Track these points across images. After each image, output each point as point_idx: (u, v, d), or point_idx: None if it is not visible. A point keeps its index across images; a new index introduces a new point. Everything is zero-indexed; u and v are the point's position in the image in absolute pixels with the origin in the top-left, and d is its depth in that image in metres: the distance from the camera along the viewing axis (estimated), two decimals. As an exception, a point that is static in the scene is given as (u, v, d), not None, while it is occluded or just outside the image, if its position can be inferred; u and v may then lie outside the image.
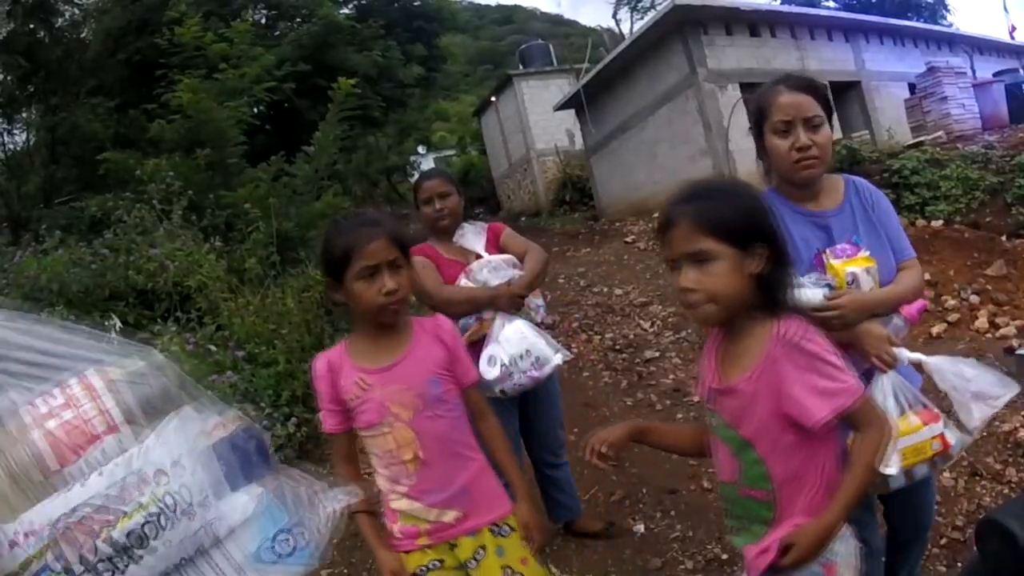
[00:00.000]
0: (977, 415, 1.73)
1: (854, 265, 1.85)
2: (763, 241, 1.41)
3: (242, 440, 0.55)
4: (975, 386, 1.72)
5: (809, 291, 1.75)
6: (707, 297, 1.40)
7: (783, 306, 1.45)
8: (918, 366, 1.85)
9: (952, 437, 1.73)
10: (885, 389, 1.77)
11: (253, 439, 0.56)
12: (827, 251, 1.91)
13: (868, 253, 1.89)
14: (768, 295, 1.44)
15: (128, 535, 0.49)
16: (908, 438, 1.72)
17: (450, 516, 1.83)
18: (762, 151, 1.98)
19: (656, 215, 1.59)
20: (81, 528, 0.49)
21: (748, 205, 1.45)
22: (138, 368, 0.58)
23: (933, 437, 1.72)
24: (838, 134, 12.98)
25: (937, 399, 1.91)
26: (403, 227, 1.90)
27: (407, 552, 1.82)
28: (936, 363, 1.79)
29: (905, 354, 1.79)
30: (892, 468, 1.71)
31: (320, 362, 1.84)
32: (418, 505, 1.81)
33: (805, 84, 1.90)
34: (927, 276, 6.63)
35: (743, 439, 1.46)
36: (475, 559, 1.84)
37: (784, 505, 1.44)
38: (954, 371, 1.76)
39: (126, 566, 0.48)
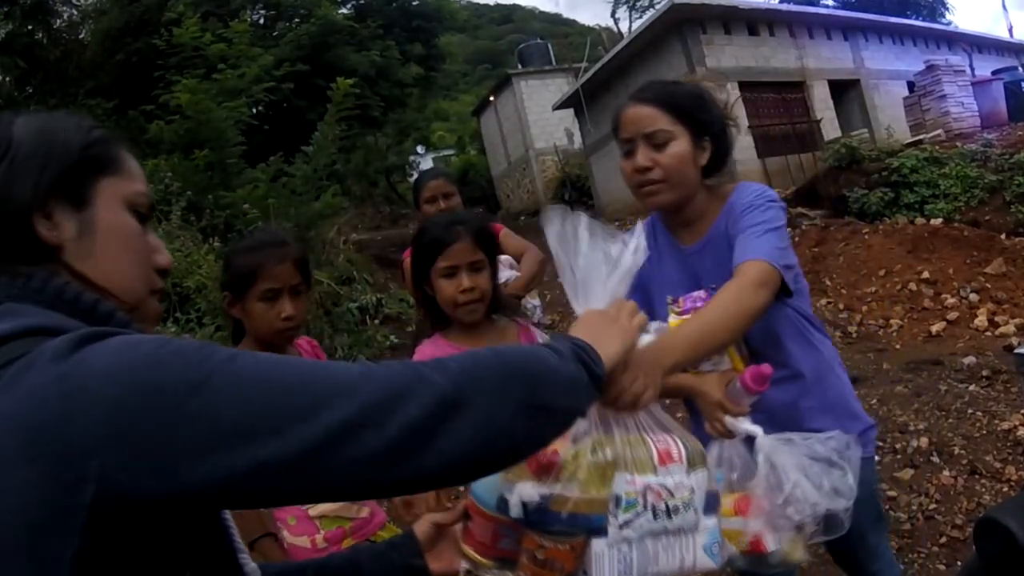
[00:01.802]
0: (766, 536, 1.32)
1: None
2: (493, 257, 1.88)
3: (714, 494, 1.16)
4: (782, 502, 1.29)
5: (646, 338, 1.47)
6: (481, 295, 1.72)
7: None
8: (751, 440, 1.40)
9: (772, 543, 1.30)
10: (713, 458, 1.37)
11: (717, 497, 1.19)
12: (679, 299, 1.59)
13: None
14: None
15: (675, 505, 1.05)
16: (724, 521, 1.25)
17: (365, 511, 1.88)
18: None
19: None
20: (654, 492, 1.04)
21: (491, 228, 1.86)
22: (700, 454, 1.13)
23: (744, 532, 1.31)
24: (836, 132, 13.01)
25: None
26: (307, 251, 1.93)
27: None
28: (769, 448, 1.33)
29: (742, 426, 1.40)
30: (714, 561, 1.19)
31: None
32: (340, 503, 1.81)
33: (656, 94, 1.58)
34: (926, 274, 6.62)
35: None
36: None
37: None
38: (779, 470, 1.30)
39: (668, 518, 1.04)
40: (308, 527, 1.79)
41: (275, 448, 0.57)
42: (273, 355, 0.64)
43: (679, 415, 1.68)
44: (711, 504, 1.13)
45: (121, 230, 0.79)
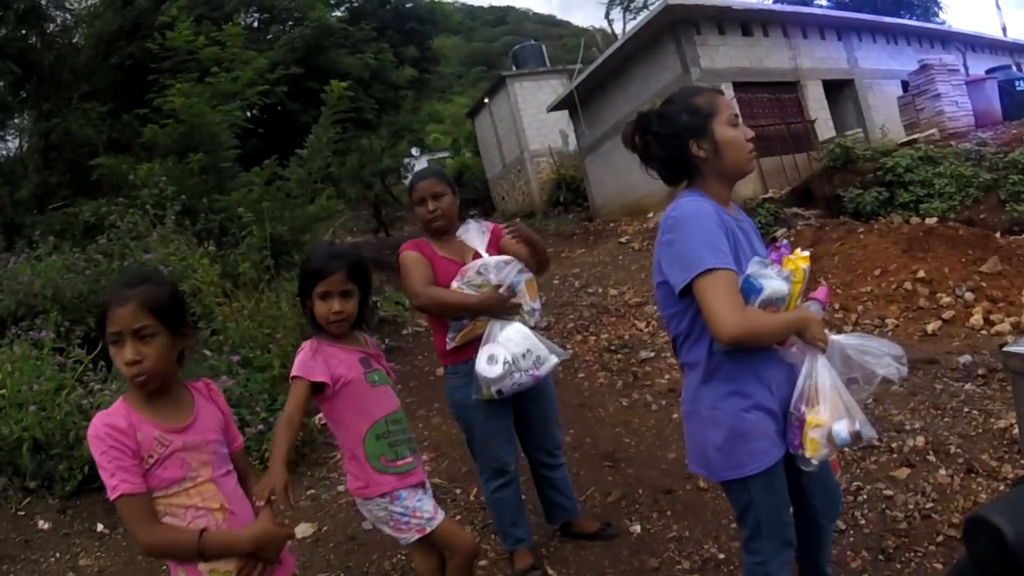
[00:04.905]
0: (898, 371, 1.89)
1: (804, 262, 1.98)
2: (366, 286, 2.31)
3: None
4: (887, 348, 1.89)
5: (776, 282, 1.90)
6: (347, 316, 2.27)
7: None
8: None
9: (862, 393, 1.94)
10: (827, 367, 1.89)
11: None
12: (781, 248, 2.04)
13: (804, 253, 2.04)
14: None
15: None
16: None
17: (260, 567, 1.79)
18: (685, 155, 1.97)
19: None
20: None
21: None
22: None
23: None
24: (831, 132, 13.04)
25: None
26: (164, 293, 1.72)
27: None
28: (846, 338, 1.93)
29: (831, 335, 1.94)
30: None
31: (114, 419, 1.64)
32: (233, 559, 1.74)
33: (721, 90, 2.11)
34: (922, 274, 6.65)
35: (392, 380, 2.43)
36: None
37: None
38: (862, 343, 1.91)
39: None
40: None
41: None
42: None
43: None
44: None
45: None
